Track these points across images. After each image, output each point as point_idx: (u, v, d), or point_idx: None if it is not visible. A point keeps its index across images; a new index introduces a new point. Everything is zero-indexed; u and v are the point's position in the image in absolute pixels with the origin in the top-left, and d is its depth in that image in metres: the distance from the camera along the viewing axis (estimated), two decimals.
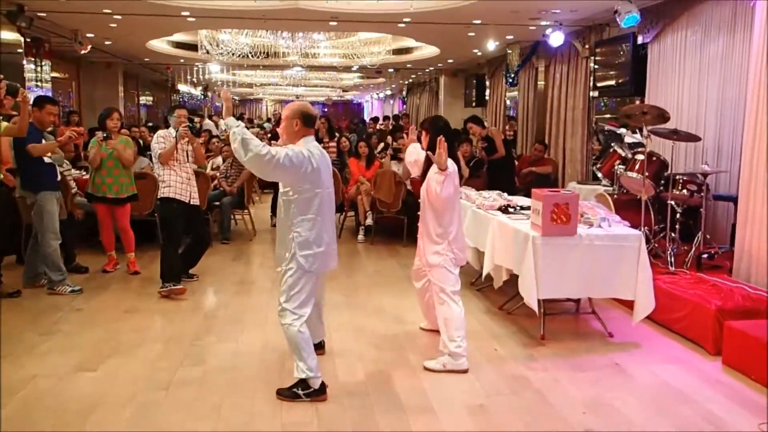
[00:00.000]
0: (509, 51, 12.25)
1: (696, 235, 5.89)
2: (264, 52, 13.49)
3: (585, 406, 3.74)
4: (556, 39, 9.35)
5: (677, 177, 6.06)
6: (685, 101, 7.41)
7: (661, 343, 4.83)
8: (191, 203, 6.09)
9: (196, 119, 14.60)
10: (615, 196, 6.29)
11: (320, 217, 3.74)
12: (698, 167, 6.29)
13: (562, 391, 3.96)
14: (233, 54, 13.18)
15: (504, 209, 5.76)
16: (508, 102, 13.27)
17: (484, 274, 5.54)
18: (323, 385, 3.80)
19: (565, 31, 9.42)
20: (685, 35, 7.47)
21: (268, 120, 27.86)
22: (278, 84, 23.14)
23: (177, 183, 5.98)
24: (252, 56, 13.50)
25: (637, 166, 6.08)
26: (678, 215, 5.97)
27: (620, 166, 6.35)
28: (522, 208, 5.76)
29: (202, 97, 25.81)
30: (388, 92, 25.56)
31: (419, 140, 4.88)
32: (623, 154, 6.49)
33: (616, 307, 5.55)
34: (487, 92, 15.07)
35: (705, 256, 5.85)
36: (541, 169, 9.68)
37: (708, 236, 6.00)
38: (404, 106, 22.58)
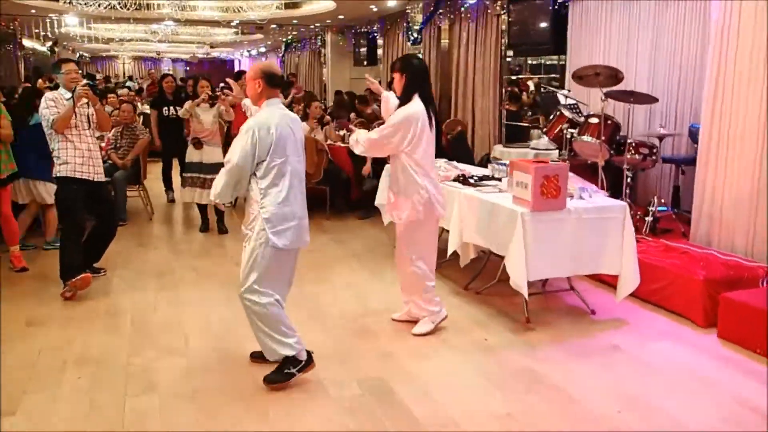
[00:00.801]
0: (408, 8, 11.67)
1: (650, 199, 5.75)
2: (136, 3, 11.96)
3: (615, 401, 3.39)
4: None
5: (629, 141, 5.86)
6: (612, 60, 7.24)
7: (646, 317, 4.62)
8: (95, 180, 5.05)
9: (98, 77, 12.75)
10: (566, 160, 6.01)
11: (289, 189, 3.43)
12: (652, 130, 6.13)
13: (580, 384, 3.59)
14: (100, 4, 11.55)
15: (462, 180, 5.30)
16: None
17: (449, 252, 5.05)
18: (309, 354, 3.57)
19: None
20: None
21: (130, 78, 25.51)
22: (140, 40, 21.02)
23: (76, 158, 4.91)
24: (122, 7, 11.92)
25: (590, 130, 5.81)
26: (628, 180, 5.79)
27: (570, 130, 6.05)
28: (479, 178, 5.34)
29: (50, 53, 23.00)
30: (262, 49, 24.14)
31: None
32: (570, 116, 6.20)
33: (581, 281, 5.28)
34: (380, 51, 14.47)
35: (650, 219, 5.74)
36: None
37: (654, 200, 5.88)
38: (282, 65, 21.40)
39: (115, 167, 7.37)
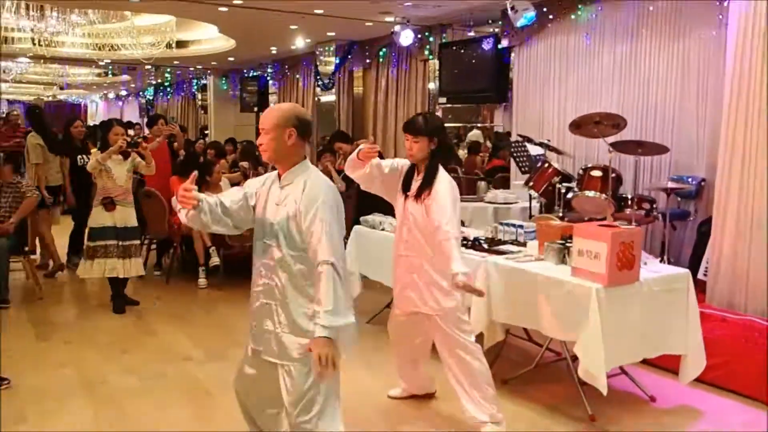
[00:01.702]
0: (318, 50, 10.85)
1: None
2: None
3: None
4: (406, 38, 8.26)
5: (627, 195, 5.39)
6: (570, 111, 6.87)
7: (714, 403, 4.00)
8: None
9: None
10: (566, 219, 5.39)
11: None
12: (659, 183, 5.70)
13: None
14: None
15: (472, 245, 4.50)
16: (317, 108, 11.82)
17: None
18: None
19: (414, 30, 8.39)
20: (567, 40, 6.96)
21: None
22: None
23: None
24: None
25: (592, 184, 5.25)
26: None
27: (563, 184, 5.47)
28: (480, 240, 4.57)
29: None
30: (123, 92, 22.07)
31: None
32: (560, 168, 5.63)
33: None
34: (273, 96, 13.47)
35: None
36: None
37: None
38: (152, 110, 19.58)
39: None
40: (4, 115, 17.88)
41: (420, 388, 3.99)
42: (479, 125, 12.04)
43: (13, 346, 4.78)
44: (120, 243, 5.55)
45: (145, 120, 19.39)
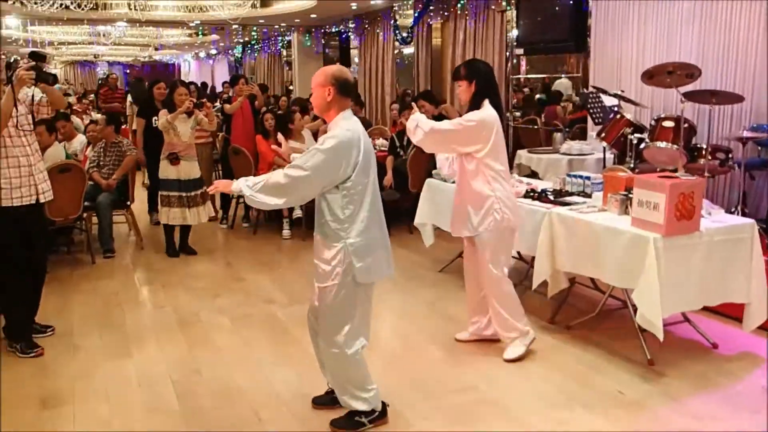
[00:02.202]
0: (396, 4, 10.91)
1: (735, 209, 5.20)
2: (92, 3, 10.77)
3: None
4: None
5: (701, 145, 5.31)
6: (648, 59, 6.70)
7: None
8: (38, 202, 4.11)
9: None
10: (636, 170, 5.39)
11: (373, 214, 2.96)
12: (734, 132, 5.57)
13: None
14: (54, 3, 10.31)
15: (537, 197, 4.62)
16: (398, 61, 11.94)
17: (537, 281, 4.33)
18: (384, 406, 3.18)
19: None
20: None
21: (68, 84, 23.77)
22: (81, 43, 19.46)
23: (14, 175, 3.91)
24: (76, 7, 10.69)
25: (664, 135, 5.20)
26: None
27: (635, 135, 5.44)
28: (547, 192, 4.68)
29: None
30: (213, 51, 22.87)
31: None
32: (632, 119, 5.59)
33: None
34: (354, 51, 13.66)
35: None
36: None
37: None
38: (238, 67, 20.26)
39: (97, 189, 6.34)
40: (104, 77, 18.99)
41: (487, 328, 4.18)
42: (565, 75, 11.82)
43: (120, 290, 5.36)
44: (184, 195, 6.09)
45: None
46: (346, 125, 2.92)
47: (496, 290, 3.91)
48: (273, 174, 2.93)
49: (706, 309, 4.35)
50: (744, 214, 5.20)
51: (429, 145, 3.97)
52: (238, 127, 7.39)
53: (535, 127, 9.06)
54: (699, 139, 5.57)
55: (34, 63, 3.88)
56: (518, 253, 5.38)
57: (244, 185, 2.91)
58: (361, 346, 3.08)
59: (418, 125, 3.82)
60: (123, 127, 8.49)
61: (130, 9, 11.61)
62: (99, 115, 10.43)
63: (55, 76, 4.24)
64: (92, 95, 16.50)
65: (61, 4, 10.55)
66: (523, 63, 10.66)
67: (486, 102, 3.79)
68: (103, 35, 15.32)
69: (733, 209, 5.22)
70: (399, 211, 7.04)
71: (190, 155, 6.16)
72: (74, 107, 11.61)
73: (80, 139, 7.15)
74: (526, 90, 10.17)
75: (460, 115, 3.99)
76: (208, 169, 7.82)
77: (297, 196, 2.97)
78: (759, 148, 5.79)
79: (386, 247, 3.08)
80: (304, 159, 2.86)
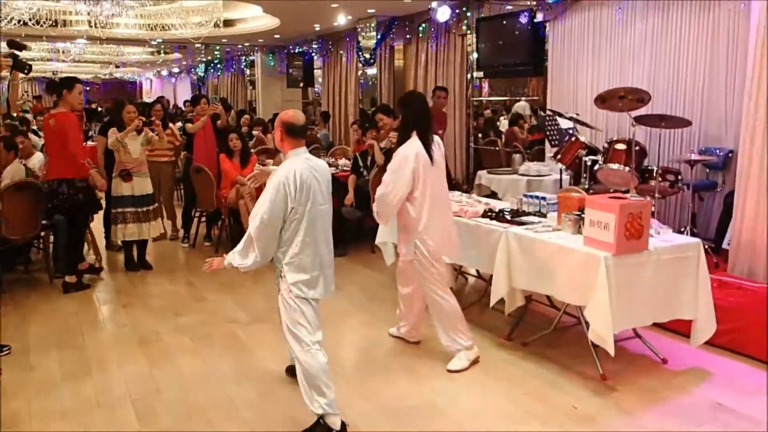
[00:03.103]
0: (359, 26, 11.08)
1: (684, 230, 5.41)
2: (51, 20, 10.66)
3: None
4: (443, 14, 8.44)
5: (651, 167, 5.53)
6: (603, 84, 6.96)
7: (724, 365, 4.17)
8: None
9: None
10: (591, 191, 5.58)
11: (309, 238, 3.29)
12: (683, 155, 5.80)
13: None
14: (11, 19, 10.19)
15: (495, 216, 4.74)
16: (362, 82, 12.09)
17: (494, 299, 4.44)
18: (344, 426, 3.30)
19: (451, 5, 8.54)
20: (600, 14, 7.02)
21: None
22: (40, 60, 19.16)
23: None
24: (35, 24, 10.57)
25: (616, 157, 5.40)
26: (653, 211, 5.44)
27: (589, 157, 5.64)
28: (505, 212, 4.81)
29: None
30: (175, 70, 22.75)
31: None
32: (586, 142, 5.79)
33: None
34: (318, 71, 13.78)
35: None
36: None
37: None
38: (203, 87, 20.19)
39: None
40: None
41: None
42: (525, 98, 12.13)
43: (79, 309, 5.31)
44: (139, 210, 6.27)
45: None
46: (285, 165, 3.30)
47: (431, 306, 4.20)
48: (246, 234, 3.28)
49: (656, 325, 4.50)
50: (693, 234, 5.41)
51: (388, 211, 4.11)
52: (200, 146, 7.39)
53: (496, 148, 9.27)
54: (650, 161, 5.80)
55: (11, 51, 3.93)
56: (477, 271, 5.51)
57: (233, 257, 3.29)
58: (314, 349, 3.29)
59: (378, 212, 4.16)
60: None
61: (91, 26, 11.50)
62: None
63: (30, 66, 4.28)
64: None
65: (19, 21, 10.43)
66: (486, 85, 10.94)
67: (413, 134, 4.04)
68: (63, 52, 15.16)
69: (682, 229, 5.42)
70: (362, 230, 7.12)
71: (142, 171, 6.35)
72: (32, 125, 11.40)
73: (38, 157, 7.06)
74: (487, 112, 10.39)
75: None
76: (170, 188, 7.80)
77: (267, 243, 3.24)
78: (707, 170, 6.04)
79: (323, 269, 3.36)
80: (256, 209, 3.23)
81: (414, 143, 4.03)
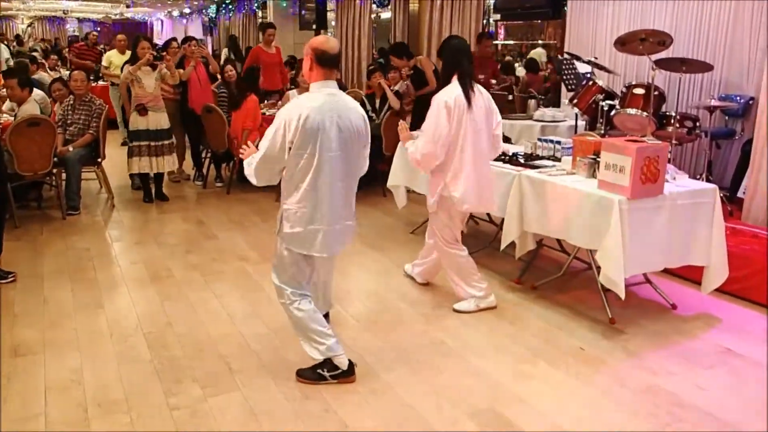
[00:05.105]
0: None
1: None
2: None
3: None
4: None
5: (669, 113, 5.41)
6: (623, 28, 6.76)
7: (735, 312, 4.16)
8: None
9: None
10: (606, 136, 5.48)
11: (314, 191, 3.01)
12: (702, 101, 5.67)
13: (724, 403, 3.08)
14: None
15: (509, 160, 4.69)
16: (375, 25, 11.84)
17: (505, 242, 4.43)
18: (351, 365, 3.23)
19: None
20: None
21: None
22: None
23: None
24: None
25: (634, 102, 5.29)
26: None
27: (606, 102, 5.51)
28: (518, 156, 4.75)
29: None
30: (186, 10, 22.39)
31: None
32: (604, 86, 5.66)
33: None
34: (331, 14, 13.50)
35: None
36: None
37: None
38: (215, 28, 19.87)
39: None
40: (84, 35, 18.47)
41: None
42: (541, 43, 11.85)
43: (91, 245, 5.35)
44: (152, 144, 6.43)
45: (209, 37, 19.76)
46: (297, 100, 3.05)
47: (444, 258, 4.16)
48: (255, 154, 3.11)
49: (666, 271, 4.50)
50: (709, 182, 5.34)
51: (429, 165, 3.96)
52: (195, 89, 7.24)
53: (510, 97, 9.11)
54: (668, 107, 5.68)
55: None
56: (488, 215, 5.48)
57: (252, 161, 3.08)
58: (299, 300, 3.16)
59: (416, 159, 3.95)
60: (93, 84, 8.43)
61: None
62: (68, 72, 10.19)
63: None
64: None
65: None
66: (501, 30, 10.68)
67: (454, 77, 3.88)
68: None
69: (698, 177, 5.34)
70: (374, 173, 7.08)
71: (157, 106, 6.47)
72: (40, 62, 11.28)
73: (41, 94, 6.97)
74: (507, 57, 10.17)
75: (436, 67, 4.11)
76: (178, 124, 7.72)
77: (265, 177, 3.10)
78: (726, 117, 5.93)
79: (329, 224, 3.08)
80: (261, 145, 3.04)
81: (453, 87, 3.85)
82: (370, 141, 3.23)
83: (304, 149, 2.95)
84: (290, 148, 2.95)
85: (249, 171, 3.10)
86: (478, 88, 3.95)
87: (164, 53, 6.89)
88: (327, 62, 3.02)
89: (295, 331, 3.26)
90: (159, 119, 6.46)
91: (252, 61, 8.42)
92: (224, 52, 13.70)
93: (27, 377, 3.25)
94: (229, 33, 18.93)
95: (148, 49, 6.43)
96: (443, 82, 3.95)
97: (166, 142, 6.56)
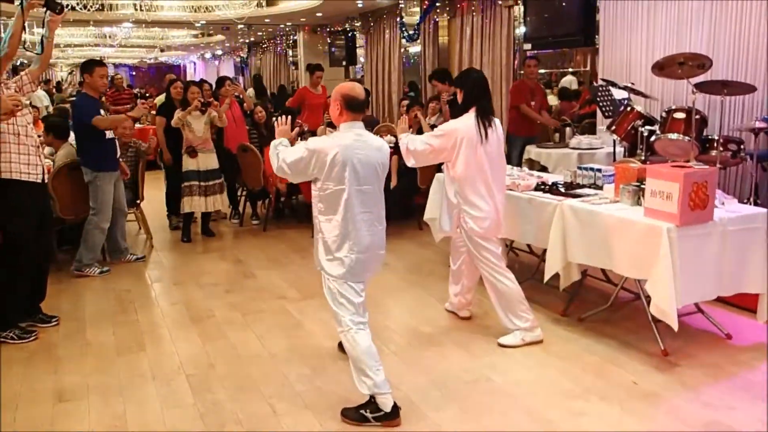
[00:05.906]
0: (402, 2, 10.91)
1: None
2: (98, 4, 10.81)
3: None
4: None
5: (712, 136, 5.28)
6: (658, 53, 6.67)
7: None
8: (44, 182, 4.51)
9: None
10: (648, 162, 5.36)
11: (346, 218, 3.14)
12: (746, 123, 5.53)
13: None
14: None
15: (548, 189, 4.60)
16: (405, 60, 11.94)
17: (549, 274, 4.33)
18: (396, 408, 3.17)
19: None
20: None
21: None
22: (87, 45, 19.53)
23: (23, 152, 4.23)
24: (82, 8, 10.74)
25: (675, 127, 5.17)
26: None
27: (646, 127, 5.41)
28: (558, 185, 4.66)
29: None
30: (219, 52, 22.92)
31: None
32: (642, 111, 5.57)
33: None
34: (362, 50, 13.66)
35: None
36: None
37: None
38: (243, 69, 20.30)
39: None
40: (109, 79, 19.06)
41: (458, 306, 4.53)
42: (571, 70, 11.79)
43: (132, 287, 5.38)
44: (203, 184, 6.62)
45: (239, 78, 20.12)
46: (334, 135, 3.24)
47: (489, 287, 4.10)
48: (285, 149, 3.29)
49: (719, 300, 4.33)
50: (756, 206, 5.18)
51: (421, 163, 4.20)
52: (231, 128, 7.34)
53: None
54: (710, 131, 5.55)
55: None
56: (528, 246, 5.38)
57: (279, 142, 3.35)
58: (356, 328, 3.18)
59: (407, 148, 4.07)
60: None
61: (136, 9, 11.68)
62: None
63: (62, 5, 4.36)
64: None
65: (66, 5, 10.59)
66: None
67: (472, 110, 3.97)
68: (109, 36, 15.40)
69: (745, 201, 5.19)
70: (410, 207, 7.05)
71: (207, 149, 6.68)
72: None
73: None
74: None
75: None
76: None
77: (276, 166, 3.27)
78: None
79: (363, 252, 3.18)
80: (292, 151, 3.21)
81: (467, 118, 3.96)
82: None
83: (334, 183, 3.12)
84: (315, 177, 3.16)
85: (273, 153, 3.29)
86: (495, 122, 4.03)
87: (211, 99, 6.90)
88: (355, 107, 3.22)
89: (350, 362, 3.21)
90: (209, 160, 6.68)
91: (298, 101, 8.65)
92: (249, 91, 13.93)
93: (72, 424, 3.24)
94: (261, 73, 19.32)
95: (198, 94, 6.63)
96: (461, 111, 4.05)
97: (217, 181, 6.75)
